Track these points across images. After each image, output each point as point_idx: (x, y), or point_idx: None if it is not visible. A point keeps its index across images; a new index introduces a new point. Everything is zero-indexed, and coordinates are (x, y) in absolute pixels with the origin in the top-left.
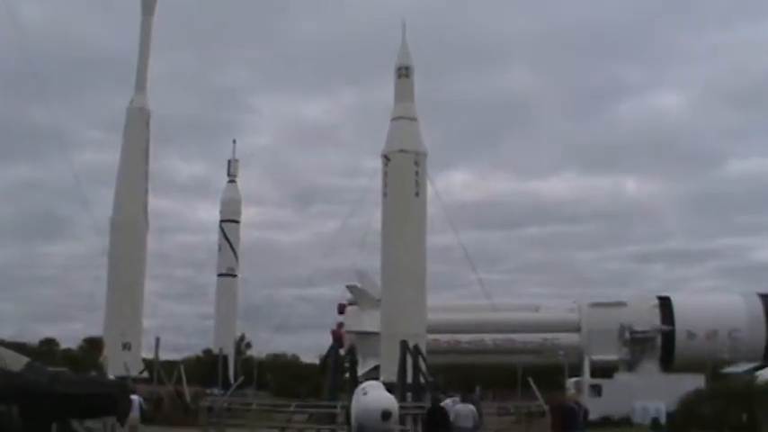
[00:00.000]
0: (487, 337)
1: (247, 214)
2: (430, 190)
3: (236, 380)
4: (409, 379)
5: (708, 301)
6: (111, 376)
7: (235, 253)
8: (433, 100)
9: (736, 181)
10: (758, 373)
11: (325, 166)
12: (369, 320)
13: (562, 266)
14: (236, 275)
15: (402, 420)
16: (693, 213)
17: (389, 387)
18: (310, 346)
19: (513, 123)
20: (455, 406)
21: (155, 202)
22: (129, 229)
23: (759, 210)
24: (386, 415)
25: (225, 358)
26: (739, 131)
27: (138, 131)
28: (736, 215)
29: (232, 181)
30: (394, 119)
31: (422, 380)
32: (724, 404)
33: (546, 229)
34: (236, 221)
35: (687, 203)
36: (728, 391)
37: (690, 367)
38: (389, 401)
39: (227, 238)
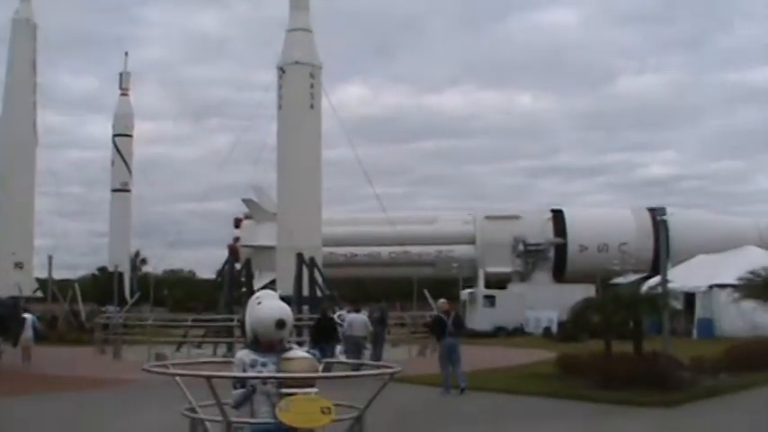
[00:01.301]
0: (383, 250)
1: (141, 129)
2: (325, 103)
3: (132, 297)
4: (306, 292)
5: (599, 215)
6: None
7: (128, 167)
8: (327, 12)
9: (627, 98)
10: (645, 282)
11: (220, 79)
12: (265, 234)
13: (458, 180)
14: (129, 191)
15: (299, 332)
16: (585, 129)
17: (286, 299)
18: (207, 262)
19: (409, 37)
20: (348, 315)
21: (44, 118)
22: (17, 146)
23: (648, 127)
24: (280, 324)
25: (120, 275)
26: (630, 49)
27: (24, 43)
28: (625, 131)
29: (124, 94)
30: (289, 30)
31: (318, 292)
32: (612, 312)
33: (442, 143)
34: (129, 136)
35: (578, 119)
36: (616, 300)
37: (581, 278)
38: (284, 310)
39: (119, 153)
